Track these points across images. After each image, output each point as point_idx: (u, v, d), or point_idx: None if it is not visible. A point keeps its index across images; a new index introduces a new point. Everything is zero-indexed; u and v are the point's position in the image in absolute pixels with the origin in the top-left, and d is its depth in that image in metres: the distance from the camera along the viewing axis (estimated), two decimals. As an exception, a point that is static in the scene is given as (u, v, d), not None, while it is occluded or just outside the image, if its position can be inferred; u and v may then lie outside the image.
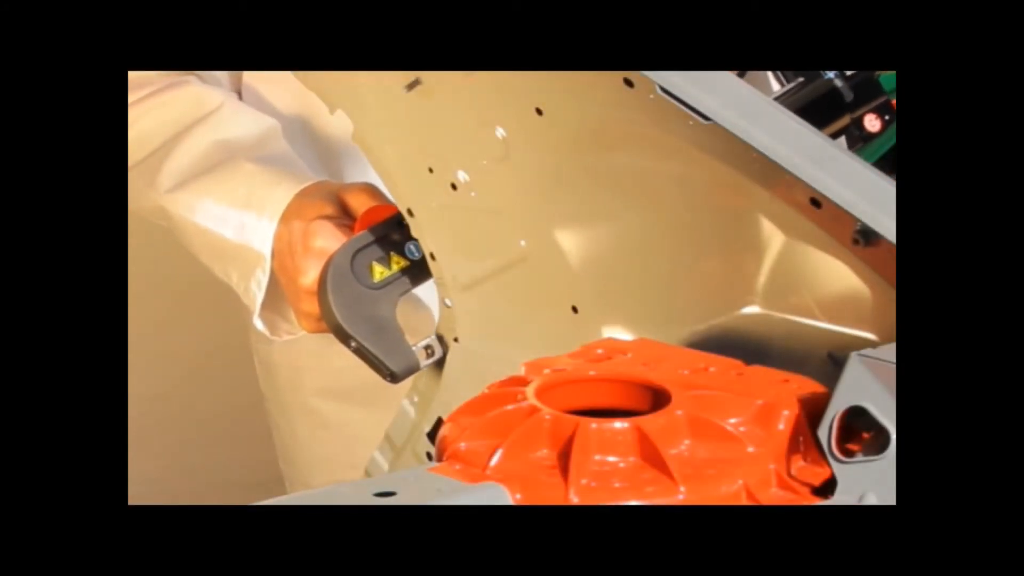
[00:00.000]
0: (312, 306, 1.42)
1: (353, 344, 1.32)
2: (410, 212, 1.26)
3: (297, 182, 1.52)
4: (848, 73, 1.27)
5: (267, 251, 1.50)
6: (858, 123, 1.28)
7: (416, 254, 1.32)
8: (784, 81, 1.30)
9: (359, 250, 1.34)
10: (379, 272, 1.34)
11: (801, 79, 1.30)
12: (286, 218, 1.49)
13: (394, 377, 1.31)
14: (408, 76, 1.18)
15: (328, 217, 1.44)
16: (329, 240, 1.41)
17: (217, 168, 1.57)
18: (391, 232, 1.34)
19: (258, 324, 1.57)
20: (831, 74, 1.27)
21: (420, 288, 1.35)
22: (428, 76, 1.17)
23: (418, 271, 1.33)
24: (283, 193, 1.50)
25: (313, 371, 1.78)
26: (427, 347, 1.30)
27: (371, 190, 1.43)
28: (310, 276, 1.42)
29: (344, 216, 1.44)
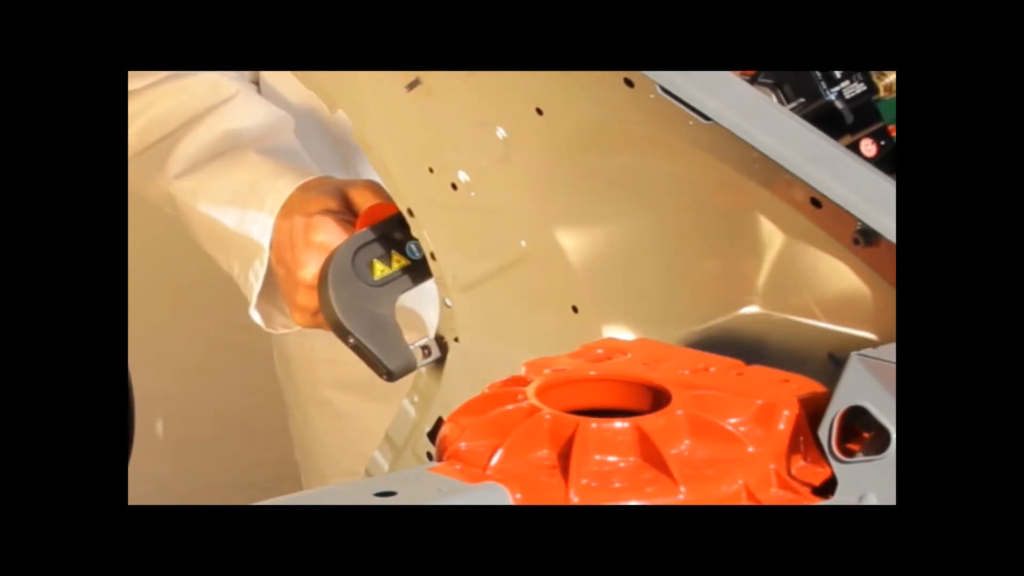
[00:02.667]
0: (308, 300, 1.42)
1: (351, 340, 1.32)
2: (410, 212, 1.26)
3: (300, 175, 1.51)
4: (848, 96, 1.28)
5: (266, 242, 1.50)
6: (855, 147, 1.29)
7: (417, 254, 1.32)
8: (784, 100, 1.30)
9: (361, 247, 1.34)
10: (380, 270, 1.34)
11: (802, 99, 1.30)
12: (287, 210, 1.49)
13: (391, 375, 1.31)
14: (408, 76, 1.18)
15: (330, 212, 1.44)
16: (331, 235, 1.41)
17: (222, 156, 1.58)
18: (393, 230, 1.34)
19: (254, 315, 1.57)
20: (831, 96, 1.28)
21: (407, 292, 1.36)
22: (428, 76, 1.17)
23: (418, 271, 1.33)
24: (285, 185, 1.50)
25: (327, 363, 1.79)
26: (424, 347, 1.30)
27: (375, 187, 1.43)
28: (309, 270, 1.42)
29: (347, 212, 1.44)
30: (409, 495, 0.86)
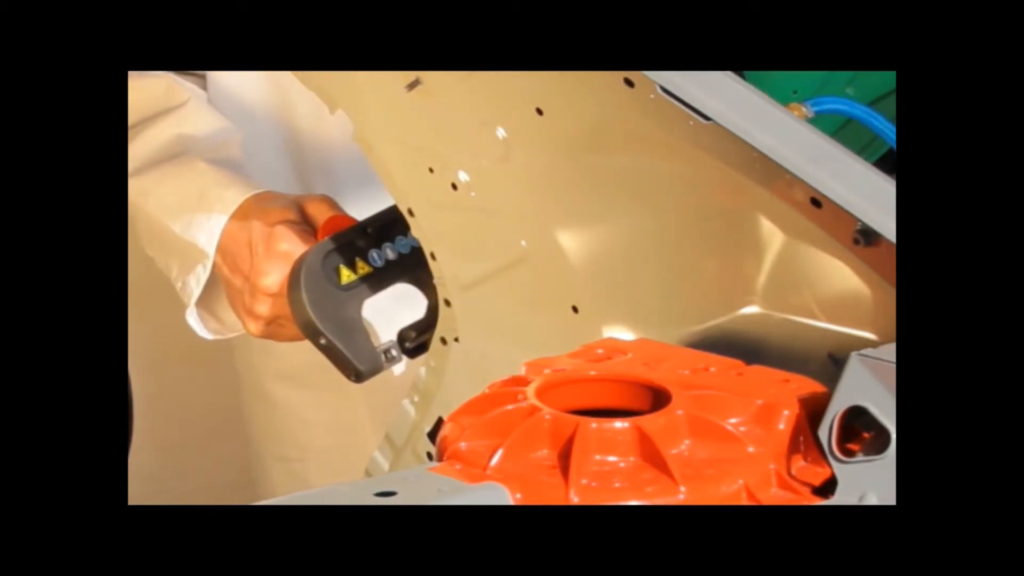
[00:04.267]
0: (267, 308, 1.45)
1: (323, 341, 1.35)
2: (410, 212, 1.26)
3: (248, 187, 1.54)
4: None
5: (211, 249, 1.51)
6: None
7: (379, 261, 1.36)
8: None
9: (328, 253, 1.37)
10: (346, 275, 1.37)
11: None
12: (240, 220, 1.50)
13: (359, 376, 1.35)
14: (408, 76, 1.18)
15: (291, 223, 1.46)
16: (294, 244, 1.44)
17: (173, 160, 1.59)
18: (356, 239, 1.38)
19: (190, 319, 1.59)
20: None
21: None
22: (428, 76, 1.17)
23: (380, 278, 1.37)
24: (233, 196, 1.52)
25: (261, 352, 1.80)
26: (387, 351, 1.33)
27: (329, 200, 1.47)
28: (272, 279, 1.44)
29: (304, 224, 1.47)
30: (409, 495, 0.86)
